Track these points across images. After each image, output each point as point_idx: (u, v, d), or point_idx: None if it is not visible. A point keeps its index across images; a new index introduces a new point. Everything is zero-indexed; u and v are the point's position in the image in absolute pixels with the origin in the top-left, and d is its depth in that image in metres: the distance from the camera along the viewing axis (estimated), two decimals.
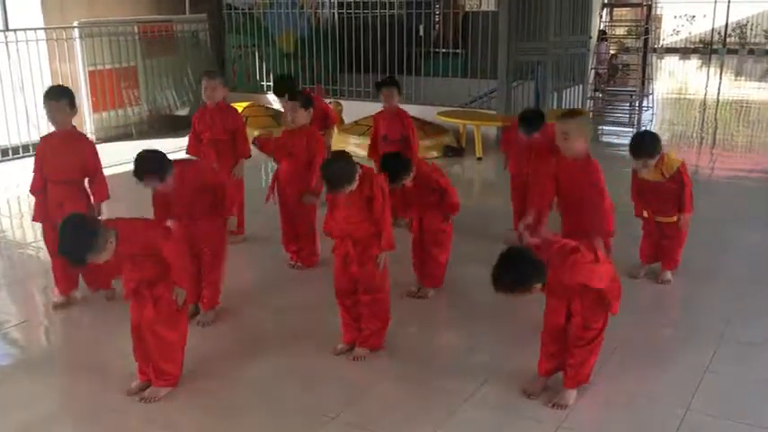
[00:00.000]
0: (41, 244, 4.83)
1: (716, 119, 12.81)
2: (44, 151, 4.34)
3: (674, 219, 4.70)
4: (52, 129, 4.37)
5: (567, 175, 3.99)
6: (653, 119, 12.03)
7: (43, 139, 4.45)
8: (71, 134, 4.34)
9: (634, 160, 4.56)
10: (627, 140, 10.42)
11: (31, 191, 4.44)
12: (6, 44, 8.61)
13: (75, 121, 4.41)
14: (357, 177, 3.59)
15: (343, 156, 3.72)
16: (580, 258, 3.12)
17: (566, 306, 3.27)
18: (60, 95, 4.29)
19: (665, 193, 4.62)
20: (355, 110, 9.01)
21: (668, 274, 4.80)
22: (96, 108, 9.44)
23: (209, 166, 4.26)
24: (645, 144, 4.57)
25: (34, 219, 4.45)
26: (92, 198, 4.39)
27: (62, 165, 4.28)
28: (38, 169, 4.36)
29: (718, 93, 15.83)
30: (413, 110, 6.78)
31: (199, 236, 4.06)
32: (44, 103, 4.26)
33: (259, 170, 8.28)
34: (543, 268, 3.06)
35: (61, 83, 8.42)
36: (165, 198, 4.01)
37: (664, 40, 26.45)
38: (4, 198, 4.73)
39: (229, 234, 4.83)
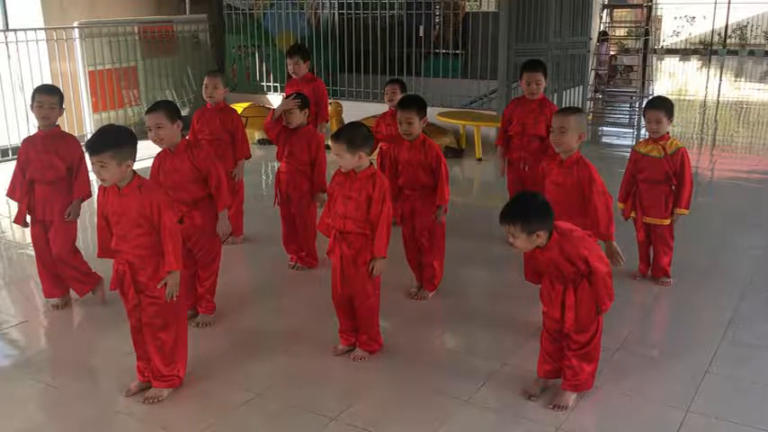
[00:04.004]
0: None
1: (716, 120, 12.82)
2: (27, 152, 4.28)
3: (666, 221, 4.70)
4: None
5: (558, 176, 3.96)
6: None
7: (26, 140, 4.36)
8: (56, 133, 4.28)
9: (651, 112, 4.61)
10: (627, 141, 10.57)
11: (8, 194, 4.39)
12: (6, 44, 8.61)
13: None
14: (370, 151, 3.65)
15: (365, 125, 3.80)
16: (586, 235, 3.23)
17: (560, 297, 3.25)
18: (53, 91, 4.28)
19: (661, 177, 4.61)
20: (355, 110, 9.00)
21: (665, 278, 4.80)
22: (96, 108, 9.43)
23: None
24: (665, 101, 4.71)
25: (16, 220, 4.40)
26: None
27: (49, 164, 4.24)
28: (19, 172, 4.31)
29: (718, 94, 15.85)
30: None
31: (191, 229, 4.04)
32: (35, 98, 4.18)
33: (259, 171, 8.29)
34: (551, 216, 3.12)
35: (61, 83, 8.46)
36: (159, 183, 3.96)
37: (664, 41, 26.50)
38: (4, 198, 4.74)
39: (229, 235, 4.84)
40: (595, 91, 13.24)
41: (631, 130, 11.67)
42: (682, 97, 14.94)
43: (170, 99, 10.32)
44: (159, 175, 4.00)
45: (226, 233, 4.23)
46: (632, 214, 4.81)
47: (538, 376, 3.46)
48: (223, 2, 11.30)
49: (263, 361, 3.80)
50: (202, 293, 4.23)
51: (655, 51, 18.48)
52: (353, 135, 3.60)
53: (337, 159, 3.63)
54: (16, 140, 8.49)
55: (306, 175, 4.96)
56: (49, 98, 4.20)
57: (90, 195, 4.40)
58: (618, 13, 15.87)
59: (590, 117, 11.97)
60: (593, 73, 12.64)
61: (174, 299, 3.34)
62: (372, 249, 3.64)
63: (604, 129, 11.57)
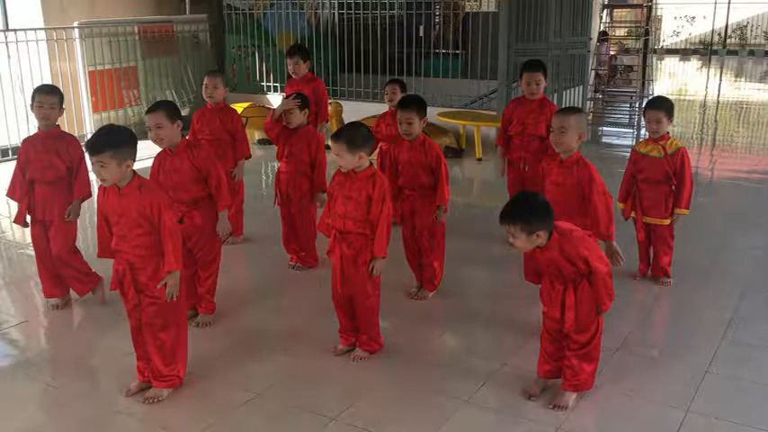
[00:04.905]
0: None
1: (716, 120, 12.82)
2: (27, 152, 4.27)
3: (666, 221, 4.70)
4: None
5: (558, 176, 3.96)
6: None
7: (26, 140, 4.36)
8: (56, 133, 4.28)
9: (651, 112, 4.61)
10: (627, 141, 10.58)
11: (8, 194, 4.39)
12: (6, 44, 8.61)
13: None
14: (370, 151, 3.64)
15: (365, 125, 3.80)
16: (586, 235, 3.23)
17: (560, 297, 3.25)
18: (52, 91, 4.28)
19: (661, 177, 4.61)
20: (355, 110, 9.01)
21: (664, 278, 4.80)
22: (96, 108, 9.43)
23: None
24: (665, 101, 4.71)
25: (16, 220, 4.40)
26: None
27: (49, 164, 4.23)
28: (19, 172, 4.30)
29: (718, 94, 15.85)
30: None
31: (191, 229, 4.04)
32: (35, 98, 4.18)
33: (259, 171, 8.29)
34: (551, 216, 3.11)
35: (61, 83, 8.46)
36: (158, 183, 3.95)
37: (664, 41, 26.50)
38: (4, 198, 4.75)
39: (229, 235, 4.84)
40: (595, 91, 13.24)
41: (631, 130, 11.68)
42: (682, 97, 14.94)
43: (170, 99, 10.32)
44: (159, 175, 4.00)
45: (226, 233, 4.23)
46: (632, 214, 4.81)
47: (538, 376, 3.46)
48: (223, 2, 11.30)
49: (263, 361, 3.80)
50: (202, 293, 4.23)
51: (655, 51, 18.49)
52: (353, 135, 3.60)
53: (337, 159, 3.63)
54: (16, 140, 8.50)
55: (306, 175, 4.96)
56: (48, 98, 4.20)
57: (90, 195, 4.40)
58: (618, 13, 15.87)
59: (590, 117, 11.97)
60: (593, 73, 12.63)
61: (174, 299, 3.34)
62: (372, 249, 3.64)
63: (604, 129, 11.57)
